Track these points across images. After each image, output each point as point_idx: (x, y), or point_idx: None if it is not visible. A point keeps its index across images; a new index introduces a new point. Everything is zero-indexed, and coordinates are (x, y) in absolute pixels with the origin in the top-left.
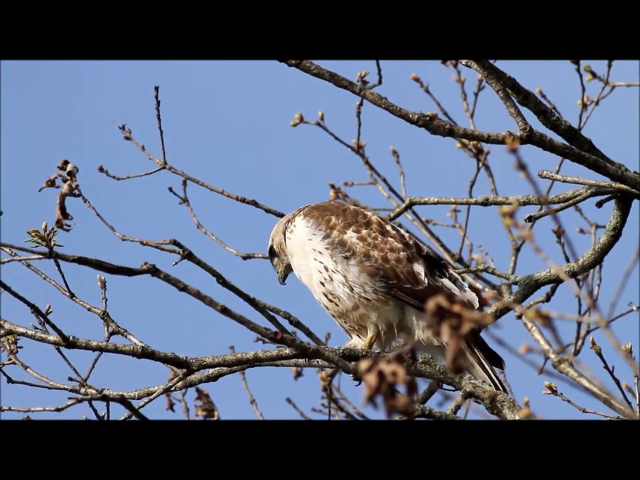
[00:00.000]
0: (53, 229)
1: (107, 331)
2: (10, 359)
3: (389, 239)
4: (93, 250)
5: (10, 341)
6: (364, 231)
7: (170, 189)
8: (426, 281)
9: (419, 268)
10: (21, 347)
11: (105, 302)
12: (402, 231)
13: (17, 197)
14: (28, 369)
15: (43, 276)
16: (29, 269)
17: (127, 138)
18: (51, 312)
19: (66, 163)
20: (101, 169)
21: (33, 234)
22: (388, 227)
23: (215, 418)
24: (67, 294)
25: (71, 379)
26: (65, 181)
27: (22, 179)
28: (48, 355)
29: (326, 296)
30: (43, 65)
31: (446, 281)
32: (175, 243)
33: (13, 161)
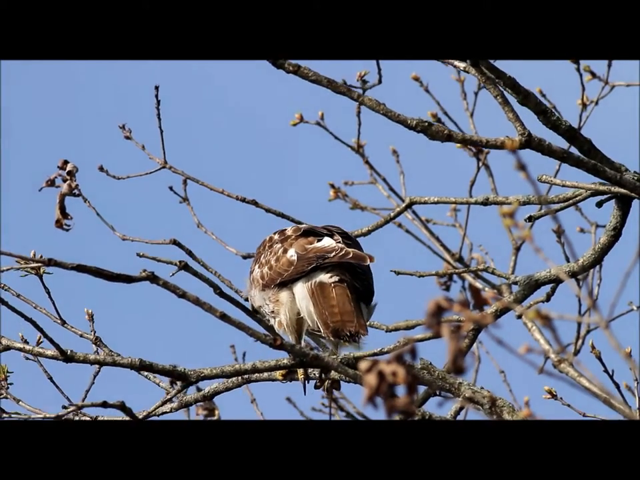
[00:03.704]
0: (41, 256)
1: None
2: (1, 394)
3: (274, 246)
4: (92, 250)
5: (0, 378)
6: (261, 258)
7: (170, 188)
8: (294, 257)
9: (291, 251)
10: (11, 384)
11: (94, 333)
12: (288, 227)
13: (16, 197)
14: (20, 402)
15: (34, 305)
16: (18, 298)
17: (127, 137)
18: (41, 342)
19: (66, 162)
20: (101, 169)
21: (22, 262)
22: (275, 236)
23: (216, 417)
24: (58, 321)
25: (65, 407)
26: (64, 180)
27: (22, 178)
28: (42, 377)
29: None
30: (43, 65)
31: (322, 242)
32: (175, 242)
33: (12, 161)
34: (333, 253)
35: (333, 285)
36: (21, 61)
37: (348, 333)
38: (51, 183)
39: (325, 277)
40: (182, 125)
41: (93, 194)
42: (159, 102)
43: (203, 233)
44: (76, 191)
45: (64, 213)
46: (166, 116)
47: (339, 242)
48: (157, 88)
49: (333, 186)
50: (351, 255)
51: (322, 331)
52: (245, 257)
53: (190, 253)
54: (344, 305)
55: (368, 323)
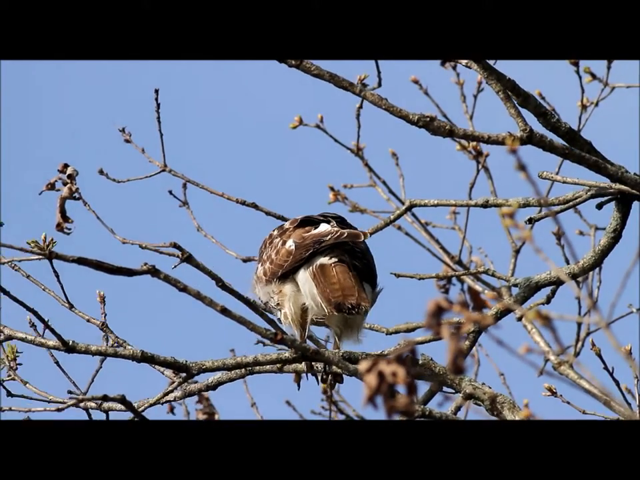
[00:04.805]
0: (52, 239)
1: (106, 343)
2: (9, 375)
3: (274, 241)
4: (93, 253)
5: (10, 358)
6: (263, 256)
7: (170, 192)
8: (293, 247)
9: (290, 242)
10: (20, 364)
11: (104, 316)
12: (285, 222)
13: (17, 200)
14: (27, 384)
15: (42, 287)
16: (28, 280)
17: (127, 141)
18: (45, 329)
19: (66, 166)
20: (101, 172)
21: (32, 244)
22: (275, 232)
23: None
24: (66, 305)
25: (70, 392)
26: (65, 184)
27: (22, 182)
28: (48, 364)
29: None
30: (43, 65)
31: (319, 228)
32: (175, 245)
33: (12, 164)
34: (329, 236)
35: (333, 264)
36: (21, 61)
37: (349, 305)
38: (51, 187)
39: (324, 260)
40: (182, 128)
41: (93, 197)
42: (158, 105)
43: (202, 236)
44: (76, 195)
45: (64, 217)
46: (166, 119)
47: (334, 226)
48: (156, 91)
49: (332, 189)
50: (345, 235)
51: (325, 309)
52: (245, 261)
53: (190, 256)
54: (345, 281)
55: (369, 326)
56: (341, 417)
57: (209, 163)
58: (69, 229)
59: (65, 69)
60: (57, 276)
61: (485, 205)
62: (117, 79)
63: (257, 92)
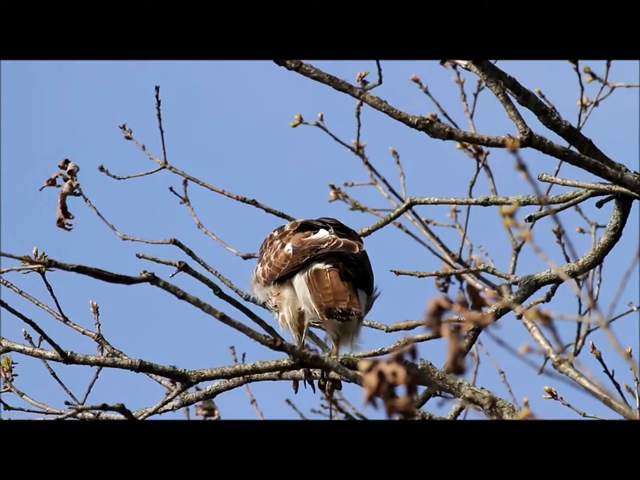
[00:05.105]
0: (44, 253)
1: (102, 354)
2: (5, 387)
3: (274, 242)
4: (93, 249)
5: (5, 369)
6: (263, 256)
7: (170, 189)
8: (291, 251)
9: (288, 246)
10: (16, 375)
11: (99, 327)
12: (287, 223)
13: (17, 196)
14: (24, 396)
15: (36, 302)
16: (20, 295)
17: (128, 137)
18: (42, 340)
19: (67, 162)
20: (102, 169)
21: (24, 263)
22: (275, 233)
23: (215, 417)
24: (61, 318)
25: (67, 403)
26: (65, 180)
27: (23, 178)
28: (44, 376)
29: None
30: (42, 65)
31: (317, 234)
32: (175, 242)
33: (13, 160)
34: (326, 244)
35: (327, 270)
36: (21, 61)
37: (340, 311)
38: (52, 182)
39: (320, 265)
40: (182, 125)
41: (94, 194)
42: (159, 102)
43: (203, 233)
44: (77, 191)
45: (65, 213)
46: (166, 116)
47: (332, 233)
48: (157, 88)
49: (333, 187)
50: (341, 245)
51: (317, 313)
52: (245, 257)
53: (190, 253)
54: (337, 286)
55: (369, 323)
56: (341, 416)
57: (210, 160)
58: (70, 225)
59: (65, 69)
60: (51, 290)
61: (486, 203)
62: (118, 77)
63: (257, 92)
